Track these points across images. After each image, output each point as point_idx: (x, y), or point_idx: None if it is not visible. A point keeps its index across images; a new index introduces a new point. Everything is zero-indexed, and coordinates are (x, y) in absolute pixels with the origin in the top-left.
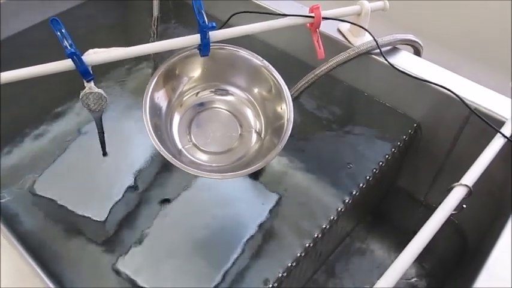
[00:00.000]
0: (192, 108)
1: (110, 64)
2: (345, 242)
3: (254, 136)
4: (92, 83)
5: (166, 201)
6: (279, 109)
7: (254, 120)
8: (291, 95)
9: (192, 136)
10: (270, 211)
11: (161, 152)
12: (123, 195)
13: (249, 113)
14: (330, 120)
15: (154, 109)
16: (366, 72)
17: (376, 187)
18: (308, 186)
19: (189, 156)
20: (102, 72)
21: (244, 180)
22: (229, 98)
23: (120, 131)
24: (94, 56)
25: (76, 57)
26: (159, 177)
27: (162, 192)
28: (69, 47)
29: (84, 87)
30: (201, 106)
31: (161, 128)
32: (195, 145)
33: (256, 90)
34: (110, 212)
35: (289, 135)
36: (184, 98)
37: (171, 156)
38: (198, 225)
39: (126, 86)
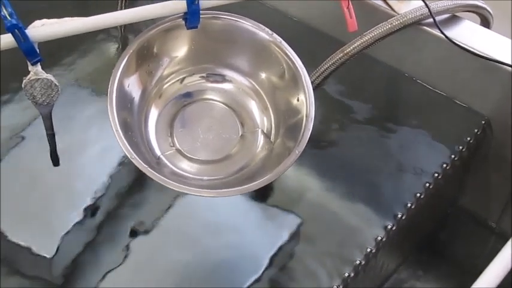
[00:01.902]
0: (176, 100)
1: (64, 41)
2: (388, 284)
3: (261, 138)
4: (38, 67)
5: (139, 230)
6: (294, 101)
7: (260, 117)
8: (312, 82)
9: (175, 138)
10: (285, 243)
11: (133, 160)
12: (79, 222)
13: (254, 107)
14: (364, 116)
15: (124, 101)
16: (415, 50)
17: (430, 208)
18: (336, 207)
19: (170, 166)
20: (53, 52)
21: (247, 200)
22: (226, 86)
23: (76, 132)
24: (42, 29)
25: (18, 31)
26: (130, 195)
27: (134, 216)
28: (8, 17)
29: (29, 72)
30: (188, 97)
31: (133, 127)
32: (179, 151)
33: (263, 76)
34: (60, 245)
35: (309, 136)
36: (165, 86)
37: (145, 165)
38: (184, 262)
39: (85, 71)
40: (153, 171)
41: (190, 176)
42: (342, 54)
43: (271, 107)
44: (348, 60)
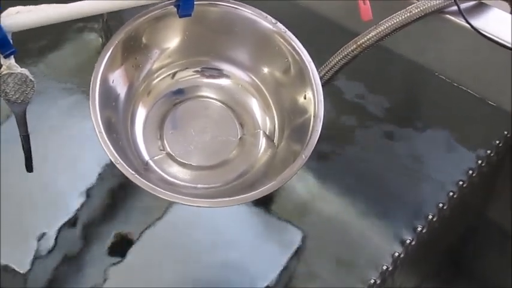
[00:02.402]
0: (166, 98)
1: (40, 30)
2: None
3: (262, 141)
4: (12, 60)
5: (124, 244)
6: (301, 99)
7: (262, 117)
8: (321, 77)
9: (165, 141)
10: (290, 258)
11: (118, 166)
12: (56, 236)
13: (255, 106)
14: (380, 116)
15: (108, 98)
16: (437, 42)
17: (453, 220)
18: (348, 219)
19: (160, 172)
20: (26, 42)
21: (248, 211)
22: (223, 81)
23: (53, 134)
24: (17, 17)
25: None
26: (115, 205)
27: (119, 228)
28: None
29: (0, 66)
30: (180, 94)
31: (118, 128)
32: (170, 155)
33: (265, 70)
34: (34, 261)
35: (317, 139)
36: (154, 82)
37: (132, 172)
38: (174, 281)
39: (63, 65)
40: (141, 178)
41: (183, 183)
42: (354, 46)
43: (274, 106)
44: (362, 53)
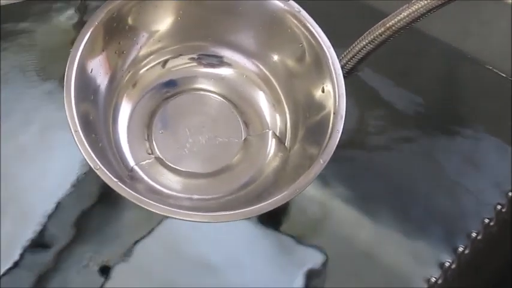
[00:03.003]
0: (156, 91)
1: (11, 11)
2: None
3: (272, 143)
4: None
5: (109, 265)
6: (318, 92)
7: (271, 114)
8: (342, 66)
9: (154, 143)
10: (303, 286)
11: (97, 172)
12: (20, 258)
13: (262, 100)
14: (412, 114)
15: (86, 91)
16: (481, 24)
17: (502, 239)
18: (373, 238)
19: (148, 180)
20: None
21: (253, 227)
22: (224, 71)
23: (20, 132)
24: None
25: None
26: (95, 219)
27: (98, 249)
28: None
29: None
30: (172, 86)
31: (97, 127)
32: (159, 160)
33: (275, 58)
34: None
35: (337, 140)
36: (142, 71)
37: (114, 179)
38: None
39: (32, 50)
40: (125, 187)
41: (175, 194)
42: (382, 29)
43: (286, 101)
44: (391, 37)
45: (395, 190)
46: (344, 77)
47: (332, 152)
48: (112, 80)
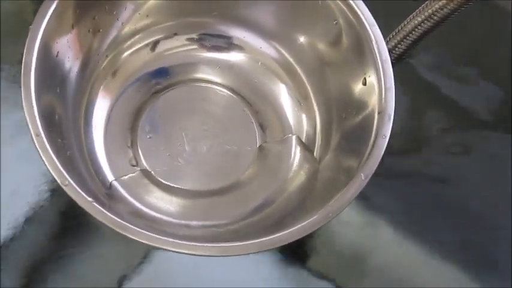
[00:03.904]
0: (142, 82)
1: None
2: None
3: (296, 152)
4: None
5: None
6: (358, 85)
7: (296, 114)
8: (391, 51)
9: (140, 151)
10: None
11: (65, 189)
12: None
13: (284, 96)
14: (480, 114)
15: (50, 81)
16: None
17: None
18: (425, 275)
19: (131, 199)
20: None
21: (271, 262)
22: (234, 56)
23: None
24: None
25: None
26: (60, 250)
27: (68, 283)
28: None
29: None
30: (164, 77)
31: (65, 129)
32: (147, 174)
33: (301, 39)
34: None
35: (384, 149)
36: (124, 56)
37: (88, 198)
38: None
39: None
40: (102, 209)
41: (168, 218)
42: (444, 1)
43: (315, 97)
44: (455, 12)
45: (456, 213)
46: (392, 64)
47: (376, 164)
48: (84, 66)
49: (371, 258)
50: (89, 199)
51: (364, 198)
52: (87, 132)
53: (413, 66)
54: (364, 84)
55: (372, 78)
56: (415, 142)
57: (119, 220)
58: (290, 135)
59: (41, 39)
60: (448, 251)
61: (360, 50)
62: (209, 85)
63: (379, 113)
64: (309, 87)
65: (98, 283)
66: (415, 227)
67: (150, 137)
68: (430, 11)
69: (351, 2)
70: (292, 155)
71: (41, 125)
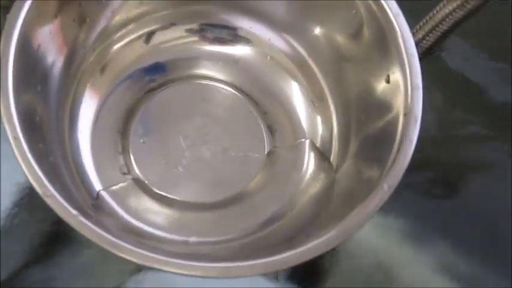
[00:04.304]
0: (135, 80)
1: None
2: None
3: (310, 159)
4: None
5: None
6: (380, 83)
7: (309, 116)
8: (417, 43)
9: (132, 157)
10: None
11: (47, 200)
12: None
13: (296, 95)
14: None
15: (30, 78)
16: None
17: None
18: None
19: (121, 212)
20: None
21: (282, 285)
22: (240, 50)
23: None
24: None
25: None
26: (42, 266)
27: None
28: None
29: None
30: (160, 72)
31: (46, 132)
32: (139, 183)
33: (316, 31)
34: None
35: (410, 156)
36: (115, 49)
37: (73, 210)
38: None
39: None
40: (89, 223)
41: (164, 234)
42: None
43: (331, 96)
44: (488, 1)
45: (496, 233)
46: (420, 59)
47: (402, 173)
48: (69, 61)
49: (394, 283)
50: (73, 212)
51: (387, 213)
52: (72, 136)
53: (442, 60)
54: (388, 82)
55: (396, 75)
56: (446, 148)
57: (107, 236)
58: (303, 139)
59: (20, 30)
60: (472, 266)
61: (383, 43)
62: (211, 82)
63: (404, 115)
64: (324, 86)
65: None
66: (448, 246)
67: (143, 142)
68: (458, 2)
69: None
70: (305, 163)
71: (20, 128)
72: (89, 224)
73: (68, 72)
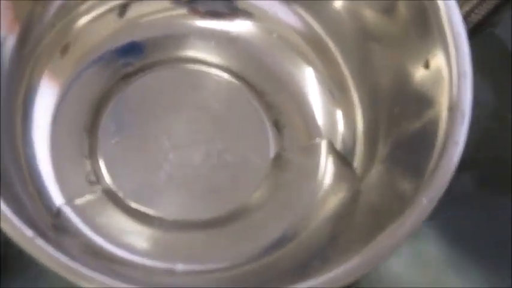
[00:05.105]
0: (106, 62)
1: None
2: None
3: (327, 163)
4: None
5: None
6: (417, 69)
7: (327, 110)
8: (464, 17)
9: (102, 162)
10: None
11: None
12: None
13: (311, 83)
14: None
15: None
16: None
17: None
18: None
19: (88, 232)
20: None
21: None
22: (239, 26)
23: None
24: None
25: None
26: None
27: None
28: None
29: None
30: (137, 54)
31: None
32: (111, 195)
33: (337, 4)
34: None
35: (456, 161)
36: (79, 24)
37: (27, 231)
38: None
39: None
40: (47, 247)
41: (143, 260)
42: None
43: (355, 85)
44: None
45: None
46: (469, 38)
47: (445, 184)
48: (23, 41)
49: None
50: (28, 233)
51: (427, 235)
52: (26, 134)
53: (497, 39)
54: (427, 67)
55: (438, 59)
56: (495, 150)
57: (70, 263)
58: (318, 139)
59: None
60: None
61: (422, 19)
62: (202, 67)
63: (449, 110)
64: (346, 72)
65: None
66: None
67: (116, 142)
68: None
69: None
70: (322, 169)
71: None
72: (48, 247)
73: (21, 55)
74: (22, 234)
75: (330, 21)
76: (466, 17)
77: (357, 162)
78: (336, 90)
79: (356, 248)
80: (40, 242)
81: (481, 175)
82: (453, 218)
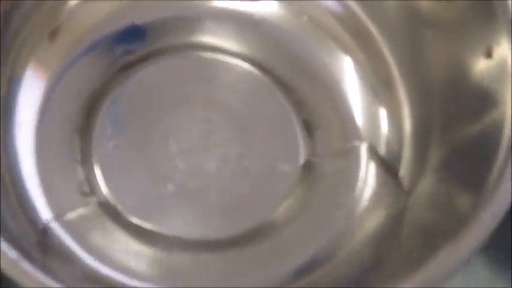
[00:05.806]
0: (102, 50)
1: None
2: None
3: (368, 172)
4: None
5: None
6: (477, 60)
7: (368, 108)
8: None
9: (98, 169)
10: None
11: None
12: None
13: (349, 76)
14: None
15: None
16: None
17: None
18: None
19: (81, 253)
20: None
21: None
22: (262, 7)
23: None
24: None
25: None
26: None
27: None
28: None
29: None
30: (139, 40)
31: None
32: (108, 208)
33: None
34: None
35: None
36: (71, 3)
37: (10, 253)
38: None
39: None
40: (33, 270)
41: (141, 286)
42: None
43: (403, 78)
44: None
45: None
46: None
47: (510, 197)
48: (5, 24)
49: None
50: (11, 255)
51: (490, 260)
52: (7, 135)
53: None
54: (489, 56)
55: (503, 49)
56: None
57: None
58: (357, 143)
59: None
60: None
61: (484, 2)
62: (218, 55)
63: None
64: (392, 63)
65: None
66: None
67: (114, 146)
68: None
69: None
70: (362, 179)
71: None
72: (34, 271)
73: (3, 40)
74: (4, 256)
75: (373, 3)
76: None
77: (404, 170)
78: (379, 85)
79: (403, 275)
80: (25, 265)
81: None
82: None
